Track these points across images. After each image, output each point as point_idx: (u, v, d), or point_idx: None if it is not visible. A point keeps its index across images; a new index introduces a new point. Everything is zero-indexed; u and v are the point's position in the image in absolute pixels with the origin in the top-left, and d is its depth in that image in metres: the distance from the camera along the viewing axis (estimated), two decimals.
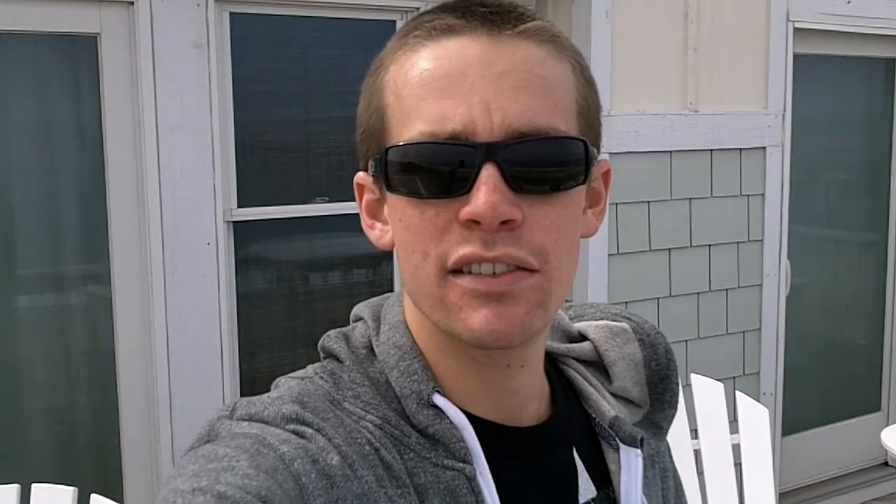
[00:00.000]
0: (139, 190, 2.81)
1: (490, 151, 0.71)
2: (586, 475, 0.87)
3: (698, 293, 3.69)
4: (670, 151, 3.52)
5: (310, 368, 0.85)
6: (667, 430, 0.99)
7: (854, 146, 4.49)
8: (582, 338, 0.96)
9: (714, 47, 3.59)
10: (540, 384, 0.87)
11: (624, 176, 3.36)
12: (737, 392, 2.90)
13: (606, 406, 0.90)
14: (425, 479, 0.76)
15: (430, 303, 0.76)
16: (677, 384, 0.97)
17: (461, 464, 0.77)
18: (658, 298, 3.57)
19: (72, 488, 2.07)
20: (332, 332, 0.87)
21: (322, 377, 0.82)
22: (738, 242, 3.78)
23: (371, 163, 0.79)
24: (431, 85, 0.74)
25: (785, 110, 3.83)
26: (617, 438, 0.88)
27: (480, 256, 0.72)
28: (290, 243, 3.17)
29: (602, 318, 0.97)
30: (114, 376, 2.86)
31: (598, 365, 0.94)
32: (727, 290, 3.77)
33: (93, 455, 2.91)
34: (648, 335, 0.95)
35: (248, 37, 2.97)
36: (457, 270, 0.74)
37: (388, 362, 0.82)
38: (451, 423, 0.78)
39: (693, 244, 3.64)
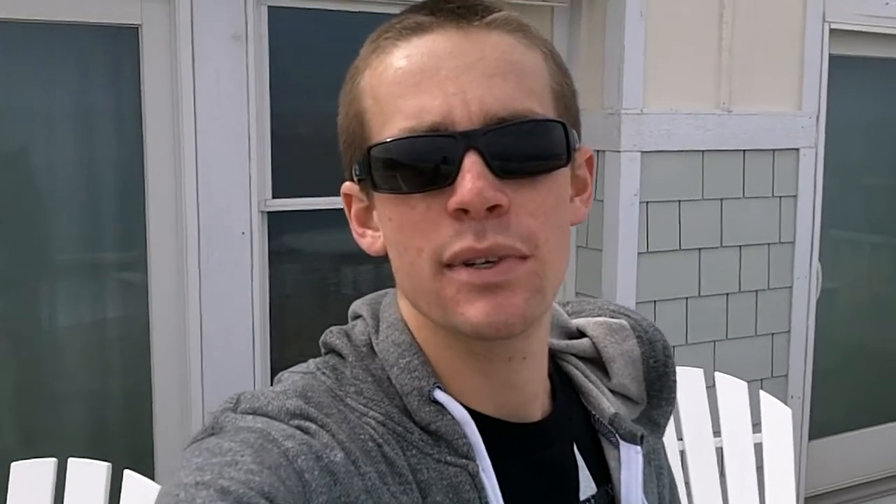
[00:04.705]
0: (176, 179, 2.86)
1: (471, 139, 0.72)
2: (587, 471, 0.87)
3: (727, 294, 3.67)
4: (702, 151, 3.51)
5: (311, 363, 0.86)
6: (664, 427, 0.99)
7: (889, 149, 4.45)
8: (580, 334, 0.96)
9: (749, 47, 3.58)
10: (542, 380, 0.87)
11: (655, 175, 3.37)
12: (761, 391, 2.89)
13: (606, 403, 0.90)
14: (428, 475, 0.76)
15: (427, 300, 0.77)
16: (675, 381, 0.97)
17: (464, 460, 0.77)
18: (687, 298, 3.57)
19: (106, 463, 2.12)
20: (333, 329, 0.88)
21: (324, 373, 0.83)
22: (769, 244, 3.76)
23: (355, 167, 0.80)
24: (406, 82, 0.75)
25: (819, 112, 3.80)
26: (617, 435, 0.88)
27: (474, 250, 0.73)
28: (324, 234, 3.20)
29: (600, 315, 0.97)
30: (148, 361, 2.91)
31: (596, 361, 0.95)
32: (757, 291, 3.75)
33: (126, 437, 2.97)
34: (646, 332, 0.95)
35: (286, 30, 3.01)
36: (451, 264, 0.74)
37: (388, 360, 0.82)
38: (453, 419, 0.78)
39: (724, 244, 3.63)
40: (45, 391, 2.86)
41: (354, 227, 0.87)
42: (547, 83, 0.78)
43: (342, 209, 3.21)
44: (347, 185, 0.86)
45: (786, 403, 2.88)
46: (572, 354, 0.95)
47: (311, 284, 3.22)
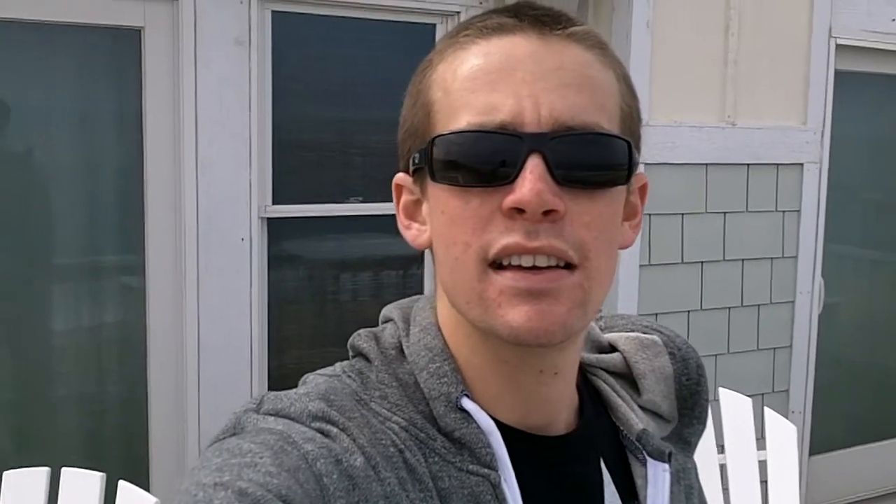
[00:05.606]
0: (176, 183, 2.84)
1: (537, 142, 0.72)
2: (612, 487, 0.86)
3: (729, 308, 3.66)
4: (706, 164, 3.50)
5: (338, 366, 0.85)
6: (695, 446, 0.98)
7: (893, 166, 4.44)
8: (612, 349, 0.95)
9: (754, 61, 3.57)
10: (570, 395, 0.86)
11: (659, 187, 3.34)
12: (765, 408, 2.87)
13: (635, 419, 0.88)
14: (449, 483, 0.75)
15: (467, 298, 0.76)
16: (707, 400, 0.96)
17: (486, 469, 0.76)
18: (689, 311, 3.55)
19: (100, 474, 2.09)
20: (362, 331, 0.87)
21: (350, 376, 0.82)
22: (771, 258, 3.75)
23: (415, 155, 0.79)
24: (482, 79, 0.75)
25: (824, 127, 3.79)
26: (644, 452, 0.87)
27: (522, 247, 0.72)
28: (324, 241, 3.19)
29: (633, 330, 0.96)
30: (144, 367, 2.89)
31: (627, 377, 0.93)
32: (759, 305, 3.74)
33: (121, 443, 2.94)
34: (679, 349, 0.94)
35: (289, 35, 2.99)
36: (498, 265, 0.74)
37: (417, 363, 0.81)
38: (478, 427, 0.78)
39: (726, 258, 3.62)
40: (40, 396, 2.84)
41: (401, 218, 0.86)
42: (617, 103, 0.79)
43: (342, 216, 3.20)
44: (400, 177, 0.85)
45: (787, 418, 2.86)
46: (602, 369, 0.94)
47: (310, 291, 3.20)
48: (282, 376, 3.05)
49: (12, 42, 2.68)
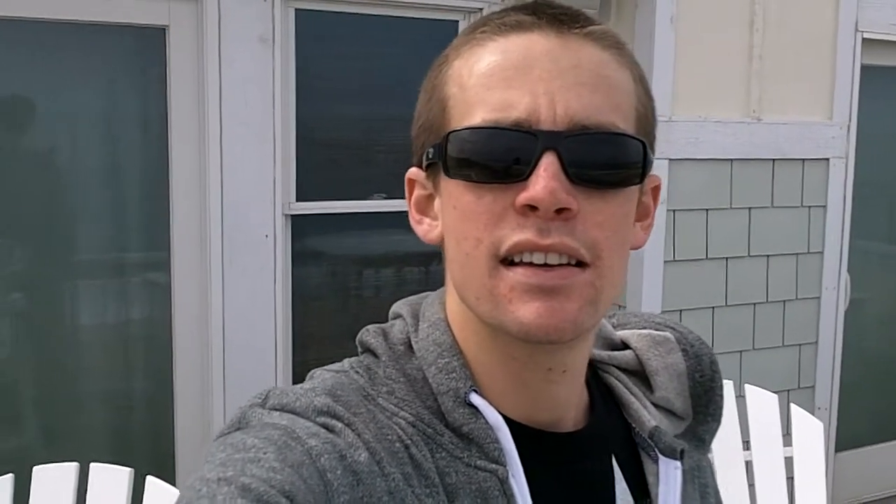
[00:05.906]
0: (201, 181, 2.85)
1: (552, 140, 0.72)
2: (624, 485, 0.85)
3: (755, 304, 3.64)
4: (731, 159, 3.48)
5: (346, 362, 0.85)
6: (709, 443, 0.97)
7: None
8: (624, 346, 0.95)
9: (779, 55, 3.54)
10: (579, 393, 0.86)
11: (683, 183, 3.33)
12: (791, 404, 2.85)
13: (647, 416, 0.88)
14: (456, 479, 0.75)
15: (477, 294, 0.76)
16: (721, 397, 0.95)
17: (494, 465, 0.76)
18: (713, 307, 3.53)
19: (128, 469, 2.11)
20: (370, 327, 0.87)
21: (357, 371, 0.82)
22: (797, 254, 3.72)
23: (429, 150, 0.80)
24: (498, 76, 0.75)
25: (850, 122, 3.75)
26: (656, 449, 0.86)
27: (534, 244, 0.72)
28: (347, 238, 3.20)
29: (645, 327, 0.96)
30: (170, 363, 2.91)
31: (639, 374, 0.93)
32: (784, 301, 3.71)
33: (147, 439, 2.97)
34: (692, 345, 0.94)
35: (312, 33, 3.00)
36: (509, 262, 0.74)
37: (426, 358, 0.81)
38: (486, 423, 0.77)
39: (751, 254, 3.60)
40: (68, 393, 2.86)
41: (412, 213, 0.86)
42: (633, 104, 0.78)
43: (365, 213, 3.20)
44: (413, 171, 0.86)
45: (812, 415, 2.84)
46: (615, 366, 0.93)
47: (334, 287, 3.21)
48: (305, 372, 3.03)
49: (37, 41, 2.70)
